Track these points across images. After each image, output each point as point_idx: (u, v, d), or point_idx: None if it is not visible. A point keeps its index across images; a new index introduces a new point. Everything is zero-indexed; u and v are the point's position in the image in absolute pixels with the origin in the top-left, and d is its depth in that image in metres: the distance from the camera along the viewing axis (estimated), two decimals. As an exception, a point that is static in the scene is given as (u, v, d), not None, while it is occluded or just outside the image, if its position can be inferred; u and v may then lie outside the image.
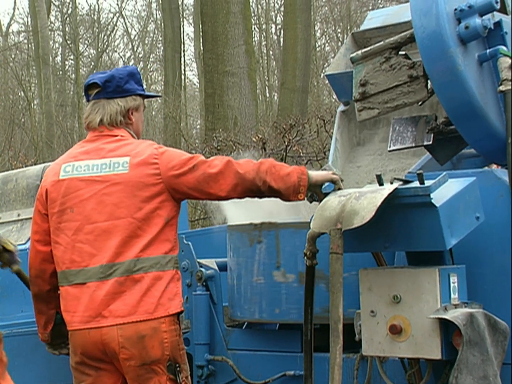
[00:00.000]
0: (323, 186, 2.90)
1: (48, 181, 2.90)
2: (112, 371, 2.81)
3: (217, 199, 2.89)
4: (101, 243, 2.77)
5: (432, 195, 2.62)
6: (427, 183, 2.64)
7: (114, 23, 24.35)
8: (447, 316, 2.60)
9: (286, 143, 9.19)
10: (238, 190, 2.81)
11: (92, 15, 24.00)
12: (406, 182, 2.72)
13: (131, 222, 2.75)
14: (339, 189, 2.83)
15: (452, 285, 2.69)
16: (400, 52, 3.07)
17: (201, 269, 3.53)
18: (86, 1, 31.80)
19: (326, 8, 22.09)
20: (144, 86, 3.09)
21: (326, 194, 2.81)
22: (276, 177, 2.80)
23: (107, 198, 2.78)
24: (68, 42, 22.32)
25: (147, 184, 2.76)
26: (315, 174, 2.86)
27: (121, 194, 2.77)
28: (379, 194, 2.61)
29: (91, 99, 2.92)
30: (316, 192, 2.88)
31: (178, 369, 2.79)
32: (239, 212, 3.63)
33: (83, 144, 2.95)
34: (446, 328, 2.62)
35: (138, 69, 3.09)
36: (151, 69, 25.26)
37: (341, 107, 3.76)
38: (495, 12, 2.97)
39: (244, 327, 3.57)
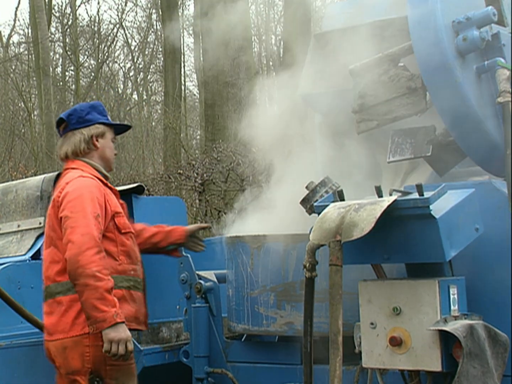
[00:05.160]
0: (322, 199, 2.91)
1: None
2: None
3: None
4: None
5: (431, 207, 2.62)
6: (426, 194, 2.64)
7: (115, 34, 24.44)
8: (447, 328, 2.59)
9: (286, 153, 9.18)
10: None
11: (93, 26, 24.08)
12: (405, 193, 2.72)
13: (49, 251, 3.14)
14: None
15: (452, 296, 2.69)
16: (399, 64, 3.08)
17: (200, 281, 3.53)
18: (87, 12, 31.97)
19: (326, 19, 22.14)
20: (110, 118, 3.40)
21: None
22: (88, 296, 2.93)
23: (46, 229, 3.22)
24: (69, 53, 22.39)
25: (54, 214, 3.13)
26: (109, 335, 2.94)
27: (47, 226, 3.19)
28: (378, 205, 2.61)
29: (61, 134, 3.32)
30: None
31: (101, 383, 3.04)
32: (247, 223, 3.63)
33: None
34: (446, 340, 2.62)
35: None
36: (151, 79, 25.32)
37: (319, 118, 3.73)
38: (492, 24, 2.98)
39: (243, 339, 3.56)
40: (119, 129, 3.44)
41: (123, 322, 2.96)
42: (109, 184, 3.26)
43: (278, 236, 3.26)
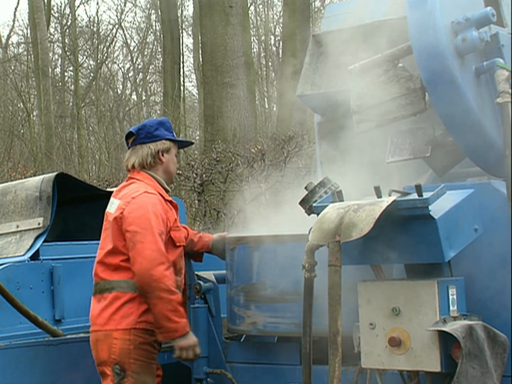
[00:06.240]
0: (321, 199, 2.91)
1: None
2: None
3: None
4: None
5: (430, 207, 2.62)
6: (426, 195, 2.64)
7: (114, 34, 24.41)
8: (446, 328, 2.59)
9: (285, 154, 9.20)
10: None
11: (92, 27, 24.06)
12: (404, 194, 2.72)
13: (107, 251, 3.30)
14: None
15: (451, 297, 2.69)
16: (398, 65, 3.08)
17: (199, 282, 3.53)
18: (86, 13, 31.95)
19: (325, 19, 22.07)
20: (175, 135, 3.57)
21: None
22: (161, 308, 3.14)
23: (106, 231, 3.38)
24: (68, 53, 22.37)
25: (117, 225, 3.29)
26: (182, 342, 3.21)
27: (109, 229, 3.34)
28: (377, 206, 2.61)
29: (129, 146, 3.50)
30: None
31: (123, 374, 3.19)
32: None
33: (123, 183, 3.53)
34: (446, 340, 2.62)
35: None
36: (151, 80, 25.31)
37: (318, 118, 3.74)
38: (492, 25, 2.98)
39: (242, 339, 3.56)
40: (182, 143, 3.64)
41: (190, 331, 3.24)
42: (168, 198, 3.42)
43: (246, 238, 3.36)
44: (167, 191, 3.46)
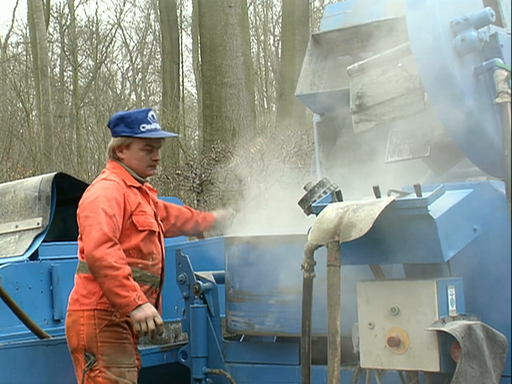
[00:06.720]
0: (320, 199, 2.92)
1: None
2: None
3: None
4: None
5: (429, 207, 2.62)
6: (425, 195, 2.64)
7: (113, 34, 24.42)
8: (445, 328, 2.59)
9: (284, 154, 9.20)
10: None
11: (91, 27, 24.07)
12: (403, 194, 2.72)
13: (78, 237, 3.38)
14: None
15: (450, 297, 2.69)
16: (398, 65, 3.08)
17: (198, 281, 3.53)
18: (85, 13, 31.96)
19: (324, 19, 22.06)
20: (149, 127, 3.40)
21: None
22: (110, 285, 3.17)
23: None
24: (67, 53, 22.38)
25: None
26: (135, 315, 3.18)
27: None
28: (376, 206, 2.61)
29: None
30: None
31: (93, 358, 3.24)
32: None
33: None
34: (445, 340, 2.62)
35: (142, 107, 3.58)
36: (150, 80, 25.32)
37: (317, 118, 3.74)
38: (490, 25, 2.98)
39: (241, 339, 3.56)
40: (153, 138, 3.42)
41: (146, 303, 3.20)
42: (137, 185, 3.41)
43: (226, 239, 3.47)
44: (140, 181, 3.41)
